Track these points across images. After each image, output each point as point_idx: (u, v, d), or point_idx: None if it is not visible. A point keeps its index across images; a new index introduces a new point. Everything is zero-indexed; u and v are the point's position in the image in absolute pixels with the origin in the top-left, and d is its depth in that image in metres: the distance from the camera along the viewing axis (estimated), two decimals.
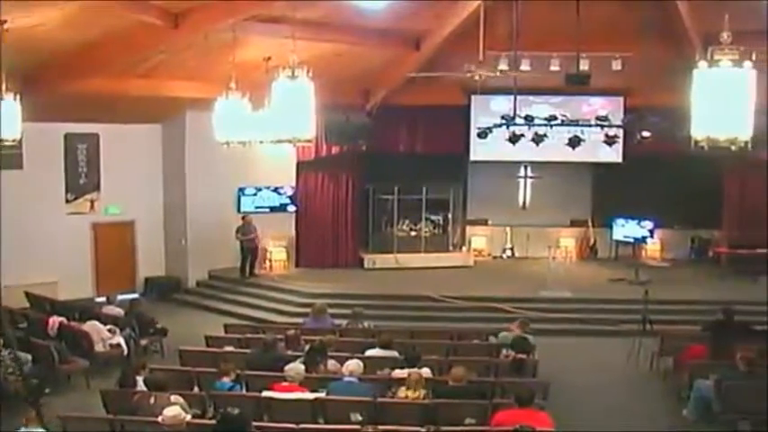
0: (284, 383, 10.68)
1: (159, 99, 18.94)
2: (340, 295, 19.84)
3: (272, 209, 23.01)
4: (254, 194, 22.77)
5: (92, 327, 15.26)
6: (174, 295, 21.81)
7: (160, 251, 22.57)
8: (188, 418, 9.28)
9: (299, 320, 16.73)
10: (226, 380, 10.97)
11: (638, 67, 18.59)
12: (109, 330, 15.38)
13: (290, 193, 23.12)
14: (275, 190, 23.00)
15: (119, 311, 16.79)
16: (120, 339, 15.34)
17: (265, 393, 10.61)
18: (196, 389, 11.64)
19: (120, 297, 17.98)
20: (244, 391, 11.12)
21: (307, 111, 12.35)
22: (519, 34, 17.10)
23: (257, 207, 22.78)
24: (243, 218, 22.16)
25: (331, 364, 11.91)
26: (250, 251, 22.09)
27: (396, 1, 17.24)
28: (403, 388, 10.54)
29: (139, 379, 10.94)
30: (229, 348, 13.75)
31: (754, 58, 8.66)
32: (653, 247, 24.89)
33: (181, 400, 9.81)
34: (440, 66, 19.77)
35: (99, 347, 14.99)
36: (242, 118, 15.71)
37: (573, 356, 16.36)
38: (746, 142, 8.70)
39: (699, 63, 8.76)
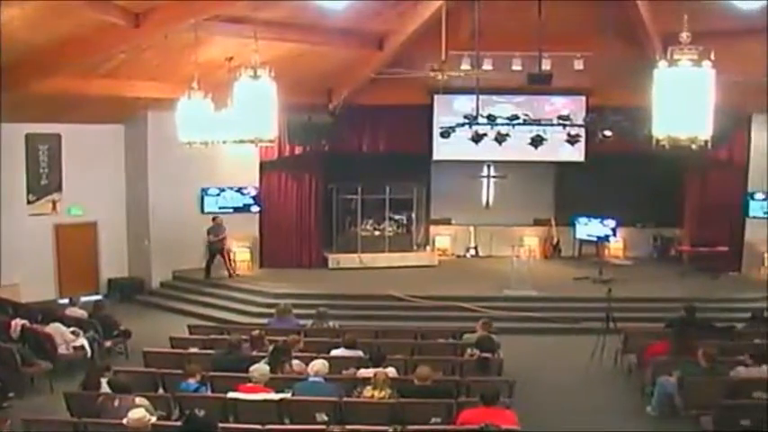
0: (249, 384, 10.67)
1: (121, 99, 18.81)
2: (304, 295, 19.82)
3: (236, 209, 22.94)
4: (218, 195, 22.69)
5: (55, 329, 15.13)
6: (137, 296, 21.67)
7: (123, 252, 22.39)
8: (153, 420, 9.25)
9: (264, 321, 16.67)
10: (191, 381, 10.95)
11: (600, 67, 18.74)
12: (72, 332, 15.26)
13: (253, 193, 23.06)
14: (238, 190, 22.93)
15: (82, 313, 16.66)
16: (83, 341, 15.21)
17: (231, 394, 10.59)
18: (161, 390, 11.60)
19: (83, 299, 17.91)
20: (209, 393, 11.08)
21: (269, 111, 12.39)
22: (481, 34, 17.20)
23: (221, 207, 22.71)
24: (213, 218, 22.12)
25: (296, 364, 11.92)
26: (220, 252, 22.01)
27: (358, 1, 17.27)
28: (369, 387, 10.56)
29: (103, 381, 10.85)
30: (194, 350, 13.70)
31: (712, 57, 8.79)
32: (616, 245, 25.07)
33: (146, 402, 9.77)
34: (403, 65, 19.80)
35: (62, 350, 14.86)
36: (204, 118, 15.65)
37: (538, 354, 16.48)
38: (706, 141, 8.83)
39: (659, 63, 8.88)
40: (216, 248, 21.98)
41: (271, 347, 12.31)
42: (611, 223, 23.52)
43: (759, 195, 22.72)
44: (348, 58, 20.29)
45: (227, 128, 14.80)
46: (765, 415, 10.56)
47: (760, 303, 18.73)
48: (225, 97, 14.21)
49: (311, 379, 10.86)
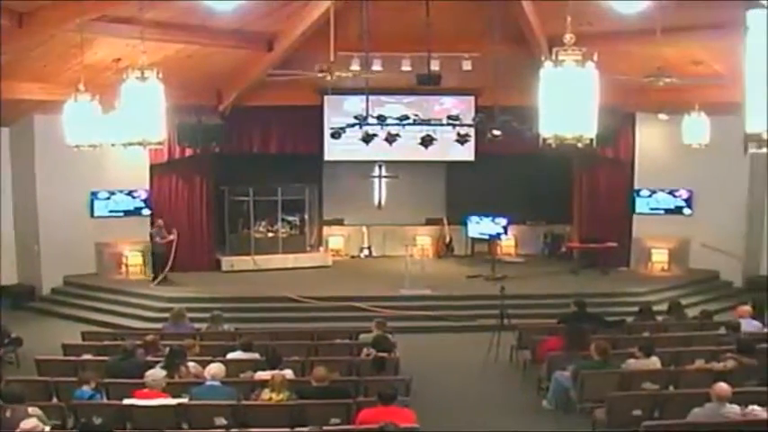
0: (145, 390, 10.54)
1: (5, 102, 18.31)
2: (199, 299, 19.65)
3: (127, 213, 22.59)
4: (108, 198, 22.29)
5: None
6: (28, 303, 21.10)
7: (11, 258, 21.72)
8: (47, 429, 9.08)
9: (159, 325, 16.48)
10: (86, 388, 10.74)
11: (488, 68, 18.91)
12: None
13: (143, 196, 22.72)
14: (129, 193, 22.57)
15: None
16: None
17: (127, 401, 10.43)
18: (55, 399, 11.33)
19: None
20: (104, 400, 10.91)
21: (157, 113, 12.22)
22: (370, 35, 17.25)
23: (111, 211, 22.34)
24: (156, 219, 22.04)
25: (192, 366, 11.81)
26: (165, 255, 21.68)
27: (247, 1, 17.18)
28: (266, 390, 10.53)
29: None
30: (88, 356, 13.41)
31: (596, 58, 9.02)
32: (507, 243, 25.42)
33: (39, 411, 9.55)
34: (293, 66, 19.73)
35: None
36: (92, 120, 15.30)
37: (434, 353, 16.63)
38: (592, 139, 9.05)
39: (544, 63, 9.07)
40: (162, 251, 21.67)
41: (166, 352, 12.19)
42: (503, 221, 23.81)
43: (644, 192, 23.41)
44: (237, 59, 20.14)
45: (114, 130, 14.55)
46: (655, 404, 10.90)
47: (648, 297, 19.37)
48: (112, 99, 13.96)
49: (208, 383, 10.77)
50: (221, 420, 10.18)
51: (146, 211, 22.80)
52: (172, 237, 21.76)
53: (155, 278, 21.59)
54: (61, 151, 16.81)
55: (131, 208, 22.67)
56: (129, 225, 22.43)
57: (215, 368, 10.92)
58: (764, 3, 5.47)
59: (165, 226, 21.95)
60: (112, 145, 15.57)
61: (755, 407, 9.86)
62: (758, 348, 12.45)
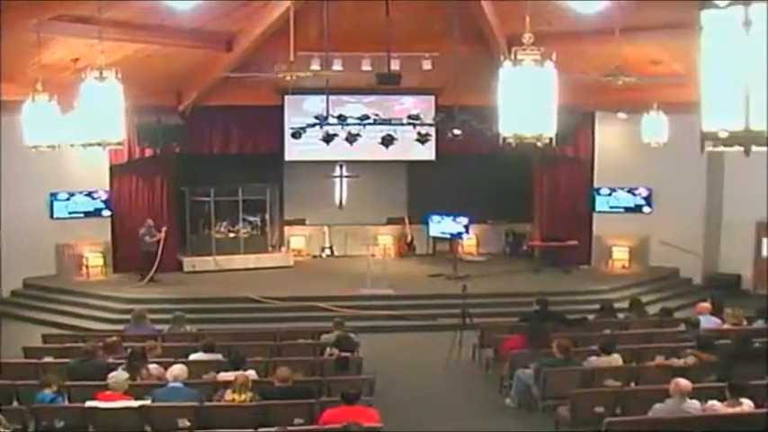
0: (108, 392, 10.46)
1: None
2: (161, 300, 19.56)
3: (87, 214, 22.43)
4: (68, 199, 22.12)
5: None
6: None
7: None
8: None
9: (121, 327, 16.39)
10: (47, 392, 10.63)
11: (448, 67, 18.98)
12: None
13: (104, 197, 22.56)
14: (89, 194, 22.40)
15: None
16: None
17: (89, 403, 10.35)
18: (15, 403, 11.23)
19: None
20: (66, 403, 10.82)
21: (116, 113, 12.15)
22: (330, 35, 17.24)
23: (71, 212, 22.18)
24: (146, 219, 22.02)
25: (153, 368, 11.74)
26: (153, 254, 21.64)
27: (206, 1, 17.11)
28: (229, 391, 10.50)
29: None
30: (49, 359, 13.32)
31: (554, 57, 9.08)
32: (469, 242, 25.51)
33: None
34: (253, 66, 19.69)
35: None
36: (50, 121, 15.17)
37: (397, 352, 16.66)
38: (551, 138, 9.11)
39: (504, 63, 9.11)
40: (151, 250, 21.61)
41: (127, 353, 12.12)
42: (464, 220, 23.84)
43: (604, 191, 23.60)
44: (197, 58, 20.05)
45: (74, 131, 14.43)
46: (617, 401, 10.99)
47: (609, 295, 19.50)
48: (71, 99, 13.85)
49: (171, 384, 10.71)
50: (184, 422, 10.14)
51: (106, 212, 22.65)
52: (161, 235, 21.74)
53: (142, 278, 21.50)
54: (20, 152, 16.65)
55: (91, 209, 22.50)
56: (89, 226, 22.27)
57: (177, 369, 10.87)
58: (718, 3, 5.53)
59: (155, 225, 21.99)
60: (72, 146, 15.43)
61: (715, 402, 9.99)
62: (717, 344, 12.63)
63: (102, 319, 19.11)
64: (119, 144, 12.90)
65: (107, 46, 12.75)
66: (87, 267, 22.32)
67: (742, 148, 5.65)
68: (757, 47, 5.46)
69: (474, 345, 15.80)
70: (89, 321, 19.05)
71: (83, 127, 12.83)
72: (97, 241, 22.59)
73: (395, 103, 22.85)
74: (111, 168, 22.45)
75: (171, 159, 23.09)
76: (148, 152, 22.42)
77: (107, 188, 22.62)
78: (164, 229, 22.01)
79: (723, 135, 5.61)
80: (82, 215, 22.34)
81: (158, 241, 21.73)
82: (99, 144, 12.52)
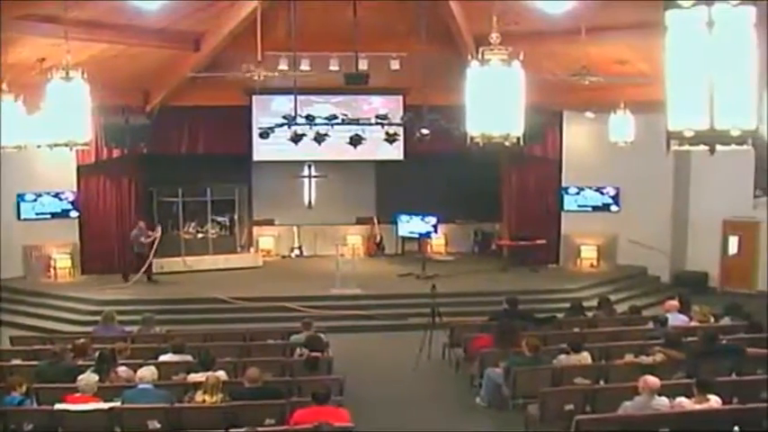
0: (77, 394, 10.40)
1: None
2: (130, 301, 19.50)
3: (54, 215, 22.27)
4: (35, 200, 21.97)
5: None
6: None
7: None
8: None
9: (90, 329, 16.29)
10: (15, 394, 10.54)
11: (416, 67, 19.02)
12: None
13: (71, 198, 22.41)
14: (56, 195, 22.24)
15: None
16: None
17: (58, 406, 10.28)
18: None
19: None
20: (35, 405, 10.74)
21: (82, 113, 12.10)
22: (297, 34, 17.22)
23: (38, 213, 22.03)
24: (138, 221, 22.00)
25: (123, 370, 11.68)
26: (146, 254, 21.64)
27: (173, 1, 17.04)
28: (200, 392, 10.46)
29: None
30: (17, 361, 13.22)
31: (521, 57, 9.13)
32: (438, 241, 25.58)
33: None
34: (220, 66, 19.64)
35: None
36: (16, 121, 15.07)
37: (367, 352, 16.66)
38: (519, 138, 9.16)
39: (471, 63, 9.15)
40: (145, 251, 21.60)
41: (96, 355, 12.04)
42: (433, 220, 23.92)
43: (572, 190, 23.71)
44: (164, 58, 19.96)
45: (40, 131, 14.33)
46: (587, 399, 11.06)
47: (578, 293, 19.60)
48: (37, 99, 13.76)
49: (140, 386, 10.65)
50: (154, 424, 10.11)
51: (74, 213, 22.50)
52: (156, 234, 21.78)
53: (127, 277, 21.58)
54: None
55: (59, 210, 22.35)
56: (56, 227, 22.11)
57: (147, 371, 10.82)
58: (682, 3, 5.59)
59: (147, 226, 21.98)
60: (38, 146, 15.33)
61: (683, 399, 10.07)
62: (684, 342, 12.74)
63: (70, 321, 18.95)
64: (86, 145, 12.84)
65: (73, 46, 12.65)
66: (55, 269, 22.18)
67: (707, 147, 5.71)
68: (721, 47, 5.53)
69: (444, 344, 15.82)
70: (57, 323, 18.88)
71: (49, 127, 12.76)
72: (65, 242, 22.42)
73: (363, 103, 22.87)
74: (79, 169, 22.29)
75: (138, 160, 22.93)
76: (116, 153, 22.28)
77: (74, 189, 22.46)
78: (159, 227, 22.01)
79: (688, 134, 5.67)
80: (49, 216, 22.19)
81: (153, 241, 21.66)
82: (66, 145, 12.45)
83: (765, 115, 6.34)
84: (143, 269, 21.53)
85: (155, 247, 21.73)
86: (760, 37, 5.62)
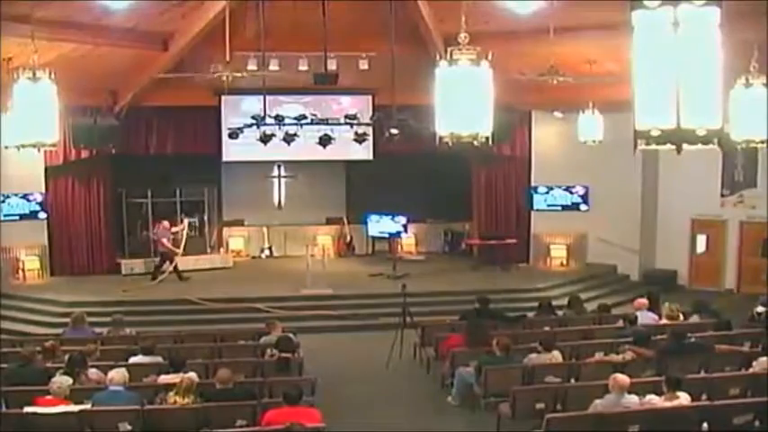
0: (48, 397, 10.31)
1: None
2: (100, 303, 19.37)
3: (22, 216, 22.07)
4: (2, 202, 21.71)
5: None
6: None
7: None
8: None
9: (59, 331, 16.12)
10: None
11: (385, 67, 18.99)
12: None
13: (39, 199, 22.21)
14: (24, 197, 22.03)
15: None
16: None
17: (28, 409, 10.19)
18: None
19: None
20: (4, 409, 10.65)
21: (50, 114, 12.04)
22: (266, 34, 17.20)
23: (6, 215, 21.77)
24: (160, 221, 22.15)
25: (93, 372, 11.60)
26: (171, 253, 21.90)
27: (141, 1, 16.95)
28: (172, 393, 10.41)
29: None
30: None
31: (490, 57, 9.16)
32: (408, 241, 25.64)
33: None
34: (189, 66, 19.58)
35: None
36: None
37: (338, 352, 16.64)
38: (488, 137, 9.19)
39: (440, 62, 9.17)
40: (169, 252, 21.80)
41: (66, 358, 11.95)
42: (403, 220, 23.97)
43: (542, 189, 23.82)
44: (132, 58, 19.80)
45: (7, 132, 14.23)
46: (558, 397, 11.11)
47: (548, 292, 19.70)
48: (4, 100, 13.65)
49: (111, 388, 10.56)
50: (125, 426, 10.05)
51: (42, 215, 22.31)
52: (183, 225, 22.30)
53: (153, 276, 21.81)
54: None
55: (27, 211, 22.16)
56: (25, 229, 21.91)
57: (117, 373, 10.75)
58: (648, 4, 5.64)
59: (172, 223, 22.40)
60: (5, 147, 15.20)
61: (653, 396, 10.14)
62: (654, 340, 12.84)
63: (39, 323, 18.78)
64: (54, 145, 12.77)
65: (40, 45, 12.58)
66: (23, 271, 22.01)
67: (674, 147, 5.77)
68: (686, 47, 5.58)
69: (415, 344, 15.85)
70: (26, 325, 18.70)
71: (17, 128, 12.69)
72: (34, 244, 22.25)
73: (332, 103, 22.85)
74: (47, 170, 22.11)
75: (107, 160, 22.80)
76: (84, 153, 22.10)
77: (43, 190, 22.28)
78: (185, 220, 22.24)
79: (655, 133, 5.72)
80: (17, 218, 21.99)
81: (179, 238, 22.17)
82: (33, 146, 12.39)
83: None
84: (170, 268, 21.77)
85: (183, 240, 22.04)
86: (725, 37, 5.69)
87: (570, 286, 21.06)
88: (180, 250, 22.20)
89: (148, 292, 20.70)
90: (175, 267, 21.92)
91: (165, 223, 22.18)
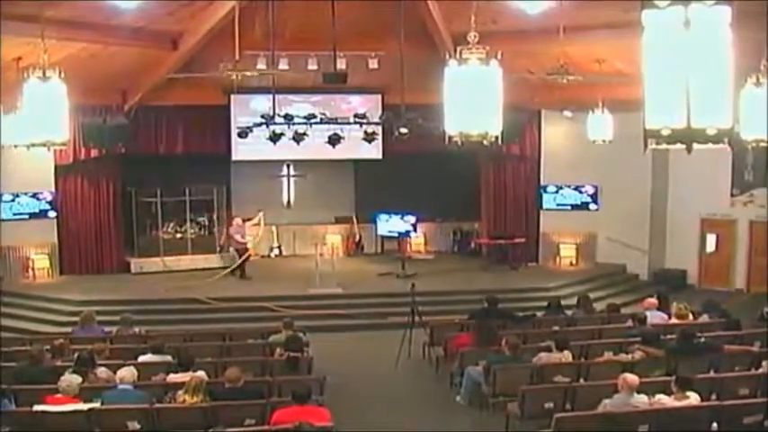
0: (58, 396, 10.33)
1: None
2: (109, 302, 19.38)
3: (32, 215, 22.14)
4: (12, 201, 21.82)
5: None
6: None
7: None
8: None
9: (69, 330, 16.15)
10: None
11: (395, 66, 18.98)
12: None
13: (49, 198, 22.28)
14: (34, 195, 22.10)
15: None
16: None
17: (37, 407, 10.21)
18: None
19: None
20: (14, 407, 10.67)
21: (60, 113, 12.06)
22: (276, 34, 17.21)
23: (16, 214, 21.88)
24: (234, 220, 22.68)
25: (102, 371, 11.61)
26: (244, 250, 22.27)
27: (151, 0, 16.97)
28: (181, 392, 10.42)
29: None
30: None
31: (500, 56, 9.15)
32: (417, 240, 25.63)
33: None
34: (199, 65, 19.58)
35: None
36: None
37: (347, 351, 16.66)
38: (497, 137, 9.18)
39: (449, 62, 9.16)
40: (242, 248, 22.14)
41: (75, 356, 11.97)
42: (412, 219, 23.94)
43: (551, 188, 23.79)
44: (142, 58, 19.83)
45: (17, 131, 14.28)
46: (566, 396, 11.09)
47: (557, 292, 19.67)
48: (14, 99, 13.69)
49: (120, 387, 10.60)
50: (134, 424, 10.06)
51: (52, 214, 22.38)
52: (256, 219, 22.75)
53: (238, 275, 22.23)
54: None
55: (37, 210, 22.23)
56: (34, 228, 21.98)
57: (126, 372, 10.77)
58: (658, 3, 5.63)
59: (244, 220, 22.86)
60: (15, 146, 15.27)
61: (662, 396, 10.12)
62: (663, 339, 12.81)
63: (49, 322, 18.86)
64: (63, 144, 12.81)
65: (50, 45, 12.57)
66: (33, 269, 22.07)
67: (684, 146, 5.75)
68: (697, 46, 5.56)
69: (424, 343, 15.85)
70: (36, 324, 18.78)
71: (27, 127, 12.73)
72: (43, 243, 22.31)
73: (341, 102, 22.87)
74: (57, 169, 22.18)
75: (117, 160, 22.85)
76: (94, 153, 22.12)
77: (52, 189, 22.34)
78: (260, 213, 22.70)
79: (666, 132, 5.71)
80: (27, 216, 22.07)
81: (256, 234, 22.64)
82: (43, 144, 12.42)
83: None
84: (235, 265, 22.11)
85: (258, 237, 22.62)
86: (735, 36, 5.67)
87: (579, 286, 21.03)
88: (254, 244, 22.78)
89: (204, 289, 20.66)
90: (242, 264, 22.04)
91: (238, 220, 22.56)
